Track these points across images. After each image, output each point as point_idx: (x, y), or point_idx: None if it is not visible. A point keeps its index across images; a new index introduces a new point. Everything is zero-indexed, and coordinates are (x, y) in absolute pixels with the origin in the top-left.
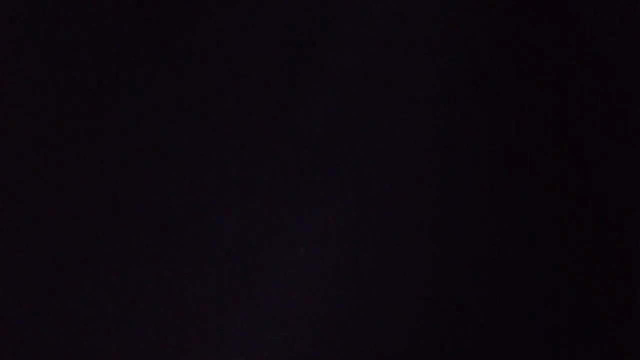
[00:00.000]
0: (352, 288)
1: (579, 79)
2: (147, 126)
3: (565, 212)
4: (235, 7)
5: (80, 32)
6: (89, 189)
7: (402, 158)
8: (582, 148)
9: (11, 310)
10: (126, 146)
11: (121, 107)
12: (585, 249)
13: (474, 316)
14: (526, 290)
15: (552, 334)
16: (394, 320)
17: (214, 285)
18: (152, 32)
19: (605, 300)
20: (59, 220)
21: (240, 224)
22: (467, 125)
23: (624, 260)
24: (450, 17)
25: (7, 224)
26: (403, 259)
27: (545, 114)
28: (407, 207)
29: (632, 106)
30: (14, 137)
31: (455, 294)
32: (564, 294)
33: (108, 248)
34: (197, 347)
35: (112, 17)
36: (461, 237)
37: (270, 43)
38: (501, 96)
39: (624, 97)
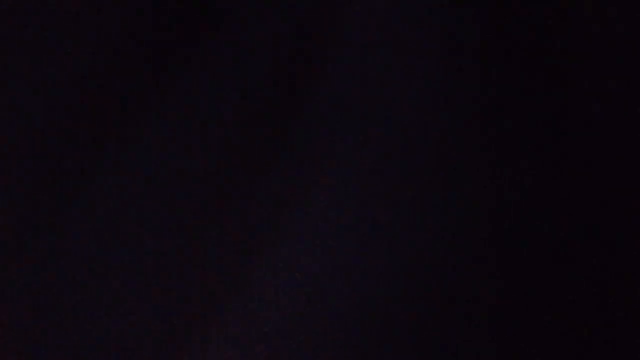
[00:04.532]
0: (352, 284)
1: (580, 79)
2: (147, 123)
3: (566, 211)
4: (236, 5)
5: (80, 32)
6: (87, 189)
7: (403, 157)
8: (582, 148)
9: (10, 310)
10: (125, 143)
11: (121, 104)
12: (586, 249)
13: (475, 316)
14: (527, 290)
15: (552, 334)
16: (393, 317)
17: (213, 280)
18: (153, 31)
19: (605, 301)
20: (58, 220)
21: (240, 221)
22: (468, 124)
23: (624, 260)
24: (451, 17)
25: (7, 223)
26: (403, 258)
27: (546, 113)
28: (407, 206)
29: (632, 106)
30: (13, 137)
31: (457, 294)
32: (565, 294)
33: (107, 245)
34: (196, 343)
35: (112, 16)
36: (462, 238)
37: (271, 42)
38: (503, 95)
39: (624, 97)
